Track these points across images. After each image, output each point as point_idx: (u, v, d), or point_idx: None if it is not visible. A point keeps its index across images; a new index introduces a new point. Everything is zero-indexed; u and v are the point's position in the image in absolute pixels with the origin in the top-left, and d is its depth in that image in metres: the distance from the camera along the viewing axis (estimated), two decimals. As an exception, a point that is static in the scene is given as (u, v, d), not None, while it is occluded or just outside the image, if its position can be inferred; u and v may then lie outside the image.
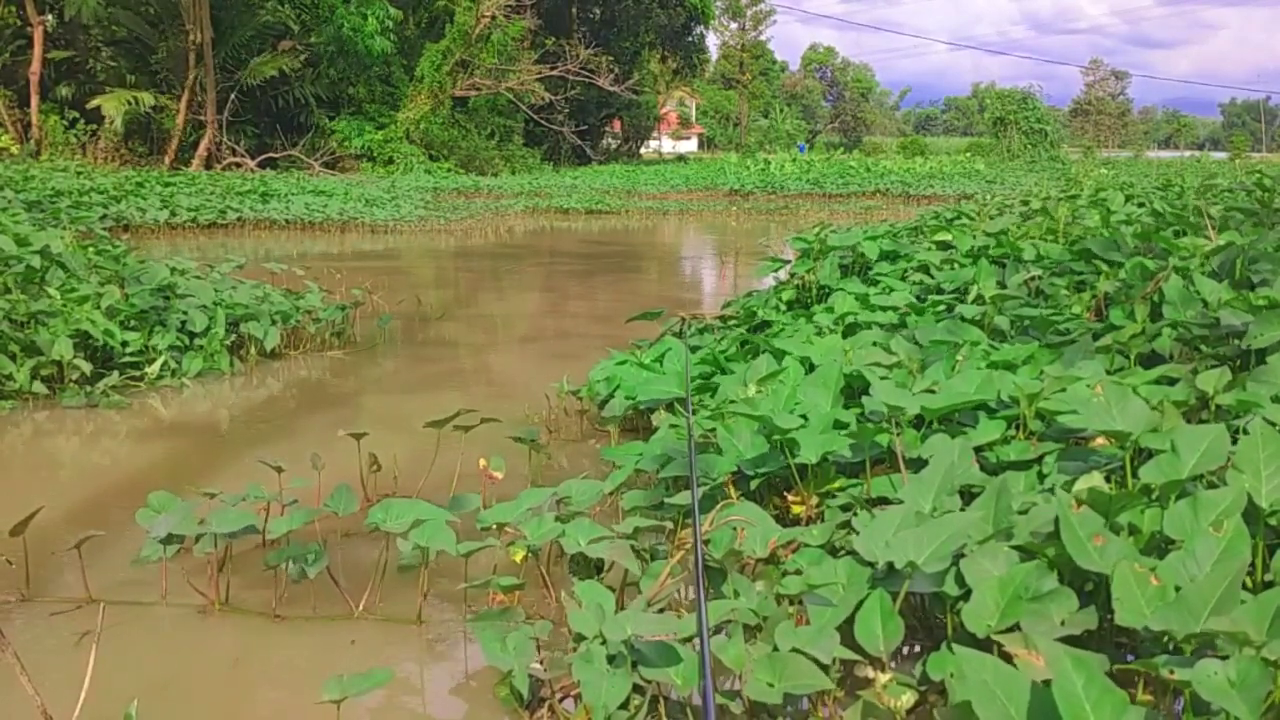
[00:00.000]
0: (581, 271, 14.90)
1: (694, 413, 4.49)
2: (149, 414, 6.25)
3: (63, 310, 6.62)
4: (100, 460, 5.51)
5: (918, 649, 3.03)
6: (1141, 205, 9.23)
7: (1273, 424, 3.15)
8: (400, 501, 3.42)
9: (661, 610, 3.11)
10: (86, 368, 6.31)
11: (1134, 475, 3.03)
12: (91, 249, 8.24)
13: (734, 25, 74.80)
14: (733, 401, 4.33)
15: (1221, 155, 71.75)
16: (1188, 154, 74.46)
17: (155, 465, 5.35)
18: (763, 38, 77.94)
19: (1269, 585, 2.64)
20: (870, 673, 2.52)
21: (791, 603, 2.89)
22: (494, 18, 34.86)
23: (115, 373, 6.49)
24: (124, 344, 6.69)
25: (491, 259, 16.19)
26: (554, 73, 36.66)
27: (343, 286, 9.40)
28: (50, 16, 30.80)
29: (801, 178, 33.71)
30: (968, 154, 50.21)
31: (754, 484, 3.81)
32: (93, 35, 31.31)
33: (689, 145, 78.05)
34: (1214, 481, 2.90)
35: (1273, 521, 2.77)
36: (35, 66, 29.24)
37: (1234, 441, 2.95)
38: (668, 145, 73.61)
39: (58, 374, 6.38)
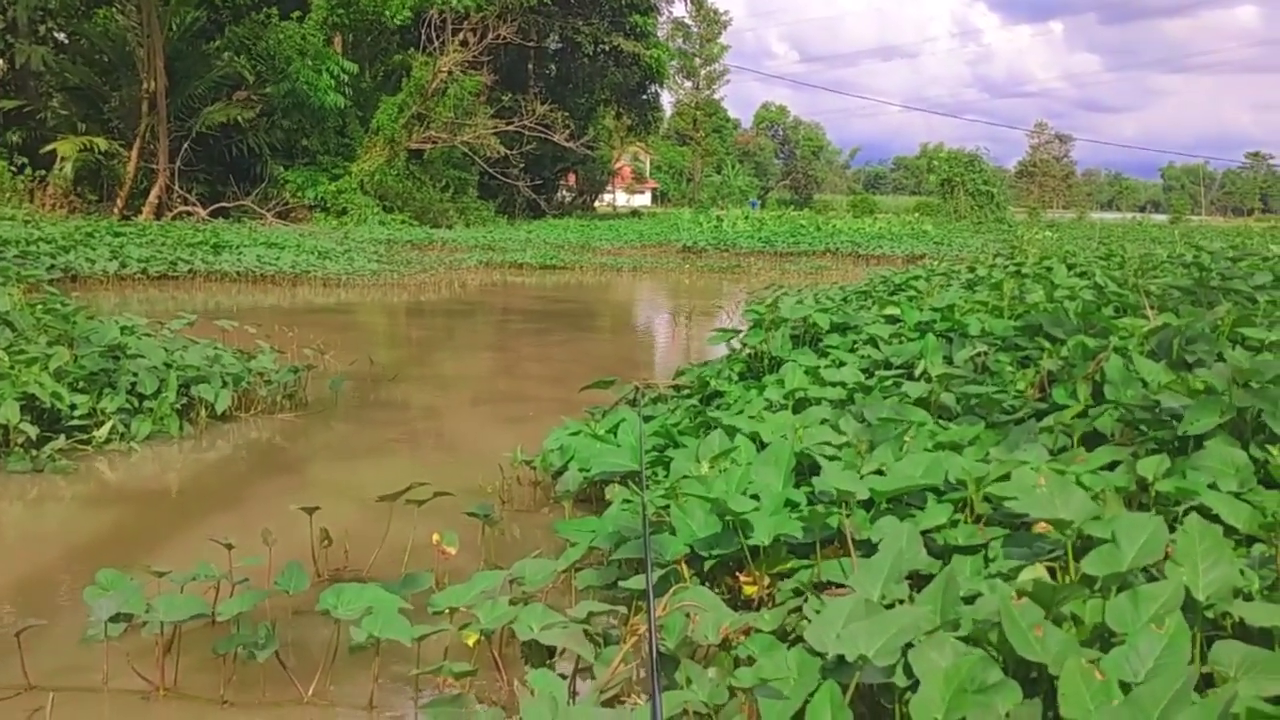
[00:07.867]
0: (535, 330, 14.92)
1: (647, 487, 4.52)
2: (96, 479, 6.16)
3: (10, 373, 6.53)
4: (46, 528, 5.42)
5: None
6: (1084, 275, 9.46)
7: (1210, 512, 3.27)
8: (352, 586, 3.41)
9: (615, 696, 3.13)
10: (33, 431, 6.20)
11: (1076, 561, 3.11)
12: (40, 307, 8.13)
13: (688, 84, 75.88)
14: (686, 478, 4.37)
15: (1162, 218, 73.85)
16: (1129, 216, 76.44)
17: (103, 534, 5.27)
18: (717, 95, 79.11)
19: (1206, 676, 2.72)
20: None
21: (745, 693, 2.92)
22: (450, 73, 35.17)
23: (62, 436, 6.37)
24: (72, 407, 6.59)
25: (445, 316, 16.18)
26: (510, 127, 36.96)
27: (294, 344, 9.33)
28: (0, 63, 30.61)
29: (754, 236, 34.06)
30: (916, 214, 51.07)
31: (707, 565, 3.85)
32: (44, 82, 31.13)
33: (643, 199, 78.80)
34: (1153, 574, 2.98)
35: (1209, 614, 2.85)
36: (-16, 112, 29.03)
37: (1172, 529, 3.04)
38: (622, 199, 74.24)
39: (2, 438, 6.27)
